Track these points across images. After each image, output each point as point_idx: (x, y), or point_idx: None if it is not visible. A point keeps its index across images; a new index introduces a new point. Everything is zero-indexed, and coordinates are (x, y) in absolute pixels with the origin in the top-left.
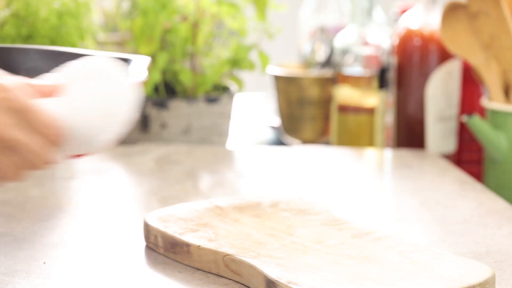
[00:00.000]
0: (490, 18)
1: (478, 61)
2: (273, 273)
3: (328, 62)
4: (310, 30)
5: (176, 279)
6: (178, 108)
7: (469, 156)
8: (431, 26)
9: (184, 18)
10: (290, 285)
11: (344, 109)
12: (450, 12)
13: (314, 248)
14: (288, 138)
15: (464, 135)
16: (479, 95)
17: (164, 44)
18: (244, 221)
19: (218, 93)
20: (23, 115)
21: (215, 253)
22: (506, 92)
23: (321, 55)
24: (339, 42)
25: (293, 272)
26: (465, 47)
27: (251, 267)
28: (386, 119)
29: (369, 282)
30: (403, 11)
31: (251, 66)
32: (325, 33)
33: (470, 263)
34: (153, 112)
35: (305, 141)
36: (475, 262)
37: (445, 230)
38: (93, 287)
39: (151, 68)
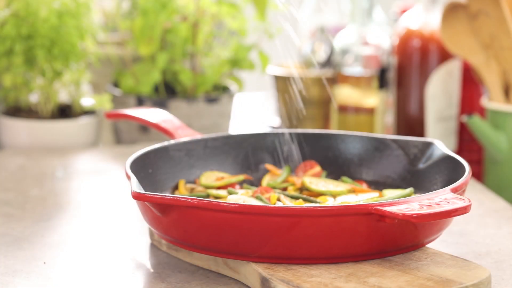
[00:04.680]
0: (490, 18)
1: (478, 61)
2: (266, 271)
3: (328, 62)
4: (310, 30)
5: (176, 279)
6: (178, 108)
7: (469, 156)
8: (431, 26)
9: (184, 18)
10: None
11: (344, 109)
12: (450, 12)
13: None
14: None
15: (464, 135)
16: (479, 95)
17: (164, 44)
18: None
19: (218, 93)
20: None
21: None
22: (506, 92)
23: (321, 55)
24: (339, 42)
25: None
26: (465, 47)
27: (247, 264)
28: (386, 119)
29: (370, 277)
30: (403, 11)
31: (251, 66)
32: (325, 33)
33: (466, 263)
34: None
35: None
36: (471, 263)
37: (445, 230)
38: (93, 286)
39: (151, 68)
